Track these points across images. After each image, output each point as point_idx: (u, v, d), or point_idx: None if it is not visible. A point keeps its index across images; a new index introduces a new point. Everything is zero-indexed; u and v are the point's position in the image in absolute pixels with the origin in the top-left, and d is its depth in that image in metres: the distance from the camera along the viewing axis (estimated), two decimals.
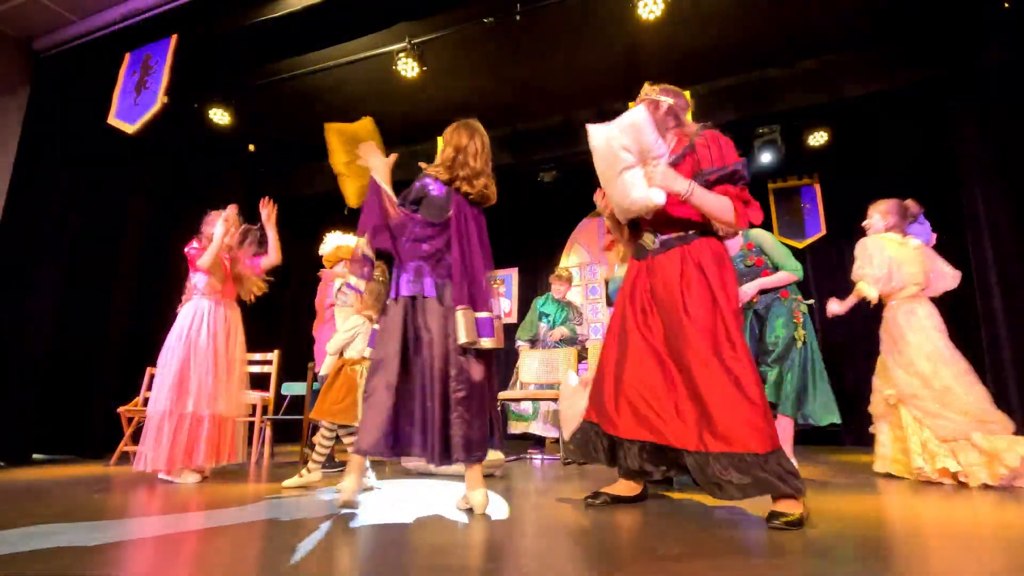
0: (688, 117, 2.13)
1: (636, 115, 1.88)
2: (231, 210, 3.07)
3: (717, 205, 1.83)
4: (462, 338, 1.86)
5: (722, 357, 1.73)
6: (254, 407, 3.94)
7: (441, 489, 2.42)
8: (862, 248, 3.04)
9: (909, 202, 3.12)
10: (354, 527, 1.63)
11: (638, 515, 1.79)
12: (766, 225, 5.54)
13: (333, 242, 3.76)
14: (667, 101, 2.02)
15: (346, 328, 2.86)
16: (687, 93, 2.51)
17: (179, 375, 2.81)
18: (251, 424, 3.88)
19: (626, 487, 2.00)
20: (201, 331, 2.92)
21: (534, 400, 4.38)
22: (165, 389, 2.79)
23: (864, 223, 3.20)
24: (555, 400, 4.04)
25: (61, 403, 4.15)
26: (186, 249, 3.00)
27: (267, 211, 3.08)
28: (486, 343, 1.90)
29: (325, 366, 2.89)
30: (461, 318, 1.87)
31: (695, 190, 1.82)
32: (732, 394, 1.68)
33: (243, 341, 3.14)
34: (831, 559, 1.27)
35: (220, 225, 2.93)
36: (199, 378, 2.84)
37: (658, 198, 1.82)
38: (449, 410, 1.84)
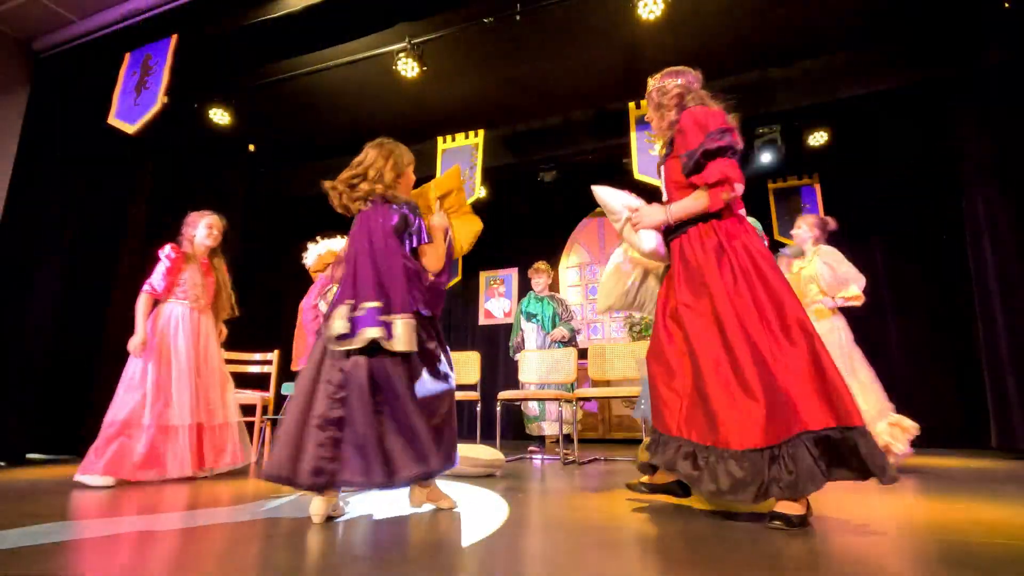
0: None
1: (595, 195, 2.06)
2: (214, 218, 3.11)
3: (694, 205, 1.82)
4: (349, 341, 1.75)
5: (713, 348, 1.69)
6: (254, 407, 3.93)
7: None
8: (829, 255, 3.22)
9: (828, 218, 3.38)
10: (353, 526, 1.64)
11: (638, 514, 1.79)
12: (767, 226, 5.57)
13: (315, 252, 3.72)
14: (672, 83, 1.99)
15: None
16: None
17: (159, 382, 2.80)
18: (251, 424, 3.88)
19: (664, 474, 1.91)
20: (179, 338, 2.90)
21: (539, 400, 4.37)
22: (138, 395, 2.75)
23: (792, 232, 3.44)
24: (555, 399, 4.03)
25: (61, 403, 4.15)
26: (162, 254, 2.93)
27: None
28: (366, 336, 1.71)
29: None
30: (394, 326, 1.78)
31: (671, 210, 1.87)
32: (728, 387, 1.64)
33: (219, 346, 3.14)
34: (830, 559, 1.27)
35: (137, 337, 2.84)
36: (179, 387, 2.82)
37: (648, 242, 1.93)
38: (320, 435, 1.68)
